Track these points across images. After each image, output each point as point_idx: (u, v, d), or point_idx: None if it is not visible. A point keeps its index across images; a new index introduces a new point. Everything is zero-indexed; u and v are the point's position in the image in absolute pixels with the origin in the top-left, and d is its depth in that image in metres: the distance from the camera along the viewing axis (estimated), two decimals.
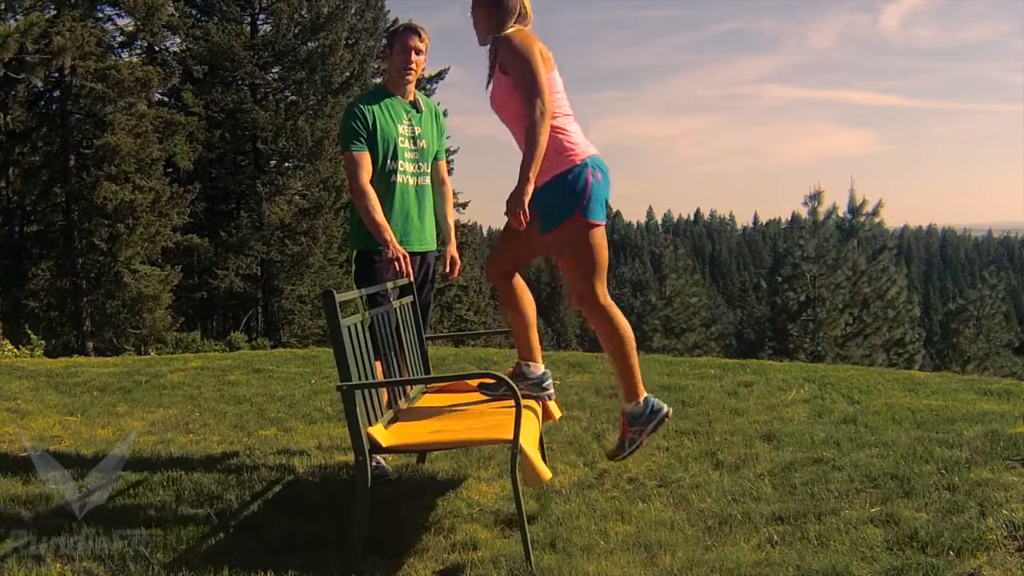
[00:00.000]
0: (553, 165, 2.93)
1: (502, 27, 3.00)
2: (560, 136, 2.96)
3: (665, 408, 3.05)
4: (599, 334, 3.08)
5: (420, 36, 3.52)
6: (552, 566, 2.47)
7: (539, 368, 3.17)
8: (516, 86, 2.93)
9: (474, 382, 3.33)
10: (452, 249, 3.79)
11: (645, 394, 3.06)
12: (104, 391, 5.52)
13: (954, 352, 29.21)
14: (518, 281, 3.20)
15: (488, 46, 3.06)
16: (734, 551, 2.57)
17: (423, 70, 3.75)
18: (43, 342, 12.68)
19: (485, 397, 3.21)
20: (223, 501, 3.18)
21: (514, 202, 2.83)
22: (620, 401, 3.12)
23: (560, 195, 2.93)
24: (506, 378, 2.71)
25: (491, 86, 3.08)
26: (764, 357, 21.87)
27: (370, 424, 2.66)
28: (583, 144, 3.02)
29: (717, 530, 2.78)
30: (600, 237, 3.00)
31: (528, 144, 2.85)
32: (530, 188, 2.83)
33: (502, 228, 3.18)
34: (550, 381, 3.20)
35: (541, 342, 3.52)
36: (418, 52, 3.54)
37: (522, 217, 2.83)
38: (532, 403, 3.04)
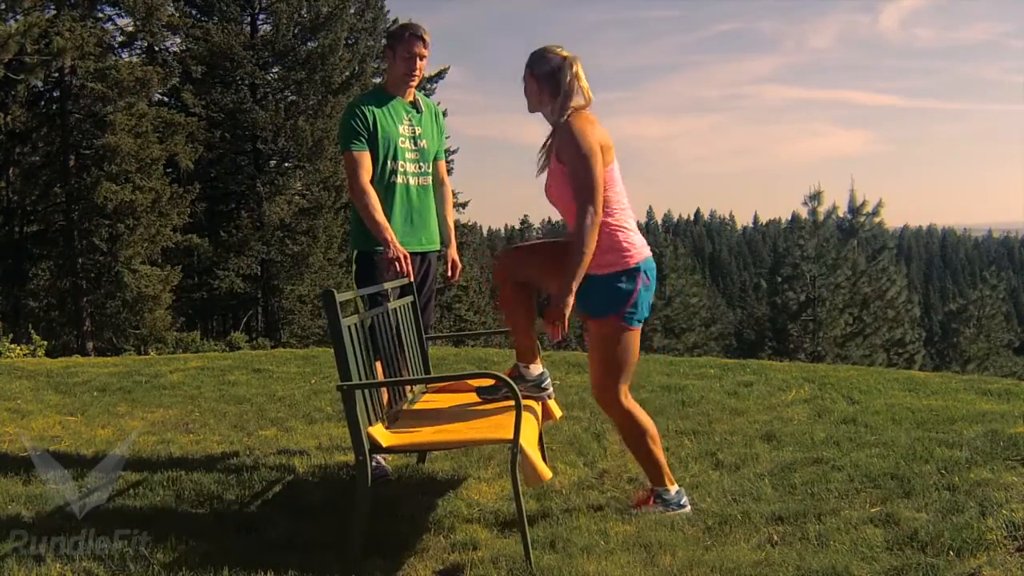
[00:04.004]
0: (608, 261, 2.88)
1: (562, 110, 2.92)
2: (619, 234, 2.90)
3: (688, 508, 2.99)
4: (617, 428, 3.05)
5: (424, 42, 3.49)
6: (552, 566, 2.47)
7: (537, 368, 3.15)
8: (570, 181, 2.86)
9: (475, 383, 3.32)
10: (452, 252, 3.78)
11: (676, 487, 3.02)
12: (104, 391, 5.52)
13: (954, 352, 29.22)
14: (521, 285, 3.16)
15: (533, 112, 3.03)
16: (734, 551, 2.57)
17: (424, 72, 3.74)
18: (45, 342, 12.67)
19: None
20: (223, 501, 3.18)
21: (556, 314, 2.78)
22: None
23: (606, 294, 2.87)
24: (506, 378, 2.71)
25: (546, 173, 3.00)
26: (764, 357, 21.86)
27: (370, 424, 2.66)
28: (640, 245, 2.96)
29: (717, 530, 2.77)
30: (633, 340, 2.97)
31: (574, 253, 2.78)
32: (571, 300, 2.78)
33: (532, 245, 3.18)
34: (548, 381, 3.18)
35: (541, 343, 3.51)
36: (422, 58, 3.52)
37: (560, 331, 2.80)
38: (532, 403, 3.03)
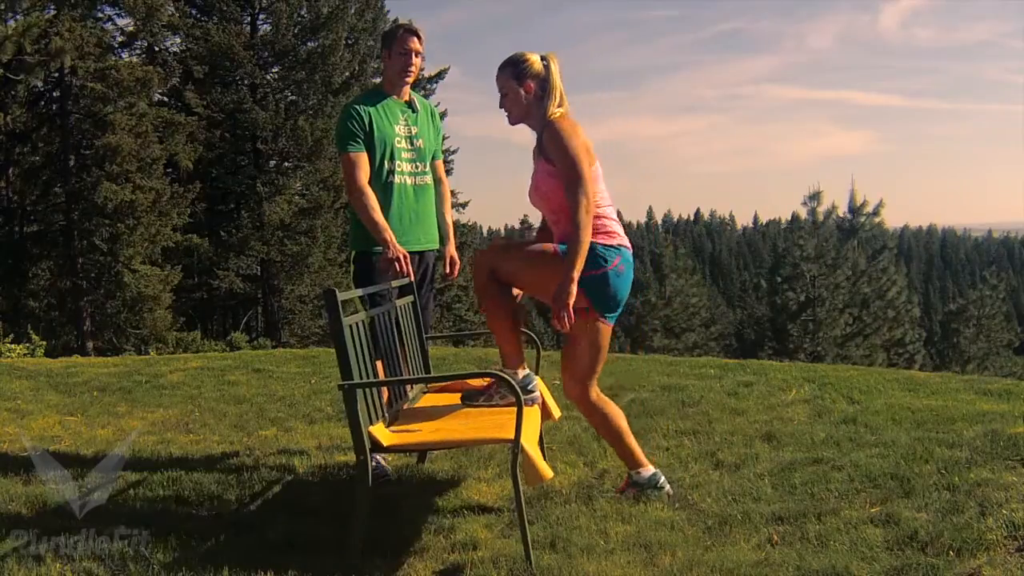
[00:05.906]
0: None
1: (545, 110, 2.98)
2: (600, 219, 2.95)
3: (668, 488, 3.10)
4: (588, 421, 3.16)
5: (419, 38, 3.51)
6: (552, 566, 2.47)
7: (522, 371, 3.09)
8: (559, 177, 2.91)
9: (478, 382, 3.31)
10: (451, 249, 3.79)
11: (653, 469, 3.13)
12: (104, 391, 5.52)
13: (954, 352, 29.23)
14: (502, 289, 3.08)
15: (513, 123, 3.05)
16: (734, 551, 2.57)
17: (421, 70, 3.75)
18: (44, 342, 12.67)
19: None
20: (223, 501, 3.18)
21: (560, 303, 2.81)
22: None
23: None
24: (507, 376, 2.71)
25: (534, 173, 3.04)
26: (764, 357, 21.86)
27: (371, 423, 2.66)
28: (620, 234, 3.02)
29: (717, 530, 2.77)
30: (603, 335, 3.01)
31: (572, 242, 2.82)
32: (574, 288, 2.81)
33: (507, 243, 3.20)
34: (535, 383, 3.10)
35: (541, 343, 3.50)
36: (417, 54, 3.53)
37: (567, 320, 2.82)
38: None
